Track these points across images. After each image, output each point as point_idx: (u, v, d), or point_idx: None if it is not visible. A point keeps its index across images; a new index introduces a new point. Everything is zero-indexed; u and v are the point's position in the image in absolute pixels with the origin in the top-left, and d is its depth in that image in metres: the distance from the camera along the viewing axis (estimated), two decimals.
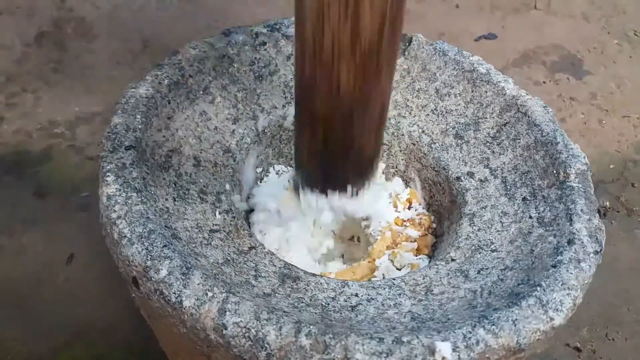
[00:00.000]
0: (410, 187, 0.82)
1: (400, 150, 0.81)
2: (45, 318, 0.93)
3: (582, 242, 0.60)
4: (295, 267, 0.61)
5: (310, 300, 0.57)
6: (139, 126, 0.64)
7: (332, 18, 0.49)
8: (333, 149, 0.61)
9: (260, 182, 0.79)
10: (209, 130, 0.72)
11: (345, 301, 0.57)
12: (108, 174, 0.58)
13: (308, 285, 0.59)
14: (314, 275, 0.61)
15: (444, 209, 0.76)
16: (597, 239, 0.61)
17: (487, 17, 1.67)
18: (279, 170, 0.81)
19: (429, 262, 0.71)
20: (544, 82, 1.48)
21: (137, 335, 0.90)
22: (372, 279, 0.70)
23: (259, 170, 0.79)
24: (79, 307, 0.95)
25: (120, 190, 0.57)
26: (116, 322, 0.92)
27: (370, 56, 0.52)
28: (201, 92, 0.73)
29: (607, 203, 1.20)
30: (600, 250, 0.60)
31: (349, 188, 0.66)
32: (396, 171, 0.84)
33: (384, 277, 0.70)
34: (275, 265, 0.61)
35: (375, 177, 0.69)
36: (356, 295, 0.58)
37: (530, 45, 1.58)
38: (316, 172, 0.66)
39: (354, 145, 0.61)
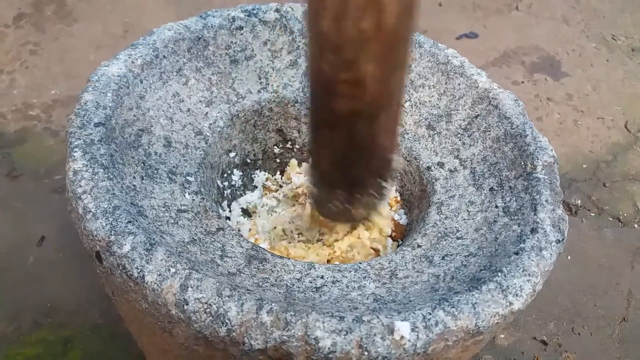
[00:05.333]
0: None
1: None
2: (13, 299, 0.92)
3: (545, 231, 0.61)
4: (263, 249, 0.62)
5: (276, 280, 0.57)
6: (110, 104, 0.63)
7: (354, 5, 0.44)
8: (355, 150, 0.57)
9: (235, 170, 0.80)
10: (181, 112, 0.72)
11: (311, 282, 0.58)
12: (75, 149, 0.58)
13: (274, 267, 0.59)
14: (281, 257, 0.61)
15: (414, 197, 0.77)
16: (559, 228, 0.62)
17: (469, 16, 1.68)
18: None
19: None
20: (522, 82, 1.50)
21: (105, 318, 0.89)
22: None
23: (232, 155, 0.79)
24: (48, 288, 0.94)
25: (87, 165, 0.56)
26: (85, 304, 0.92)
27: (395, 45, 0.47)
28: (175, 74, 0.73)
29: (579, 202, 1.22)
30: (563, 239, 0.61)
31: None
32: None
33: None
34: (242, 247, 0.61)
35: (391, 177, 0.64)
36: (322, 277, 0.59)
37: (510, 46, 1.60)
38: (336, 175, 0.61)
39: (377, 145, 0.56)
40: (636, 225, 1.19)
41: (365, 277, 0.59)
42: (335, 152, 0.58)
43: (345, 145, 0.56)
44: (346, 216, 0.65)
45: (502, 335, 1.00)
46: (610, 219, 1.20)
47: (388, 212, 0.77)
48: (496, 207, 0.67)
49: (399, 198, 0.81)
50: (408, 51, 0.50)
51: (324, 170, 0.62)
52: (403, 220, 0.78)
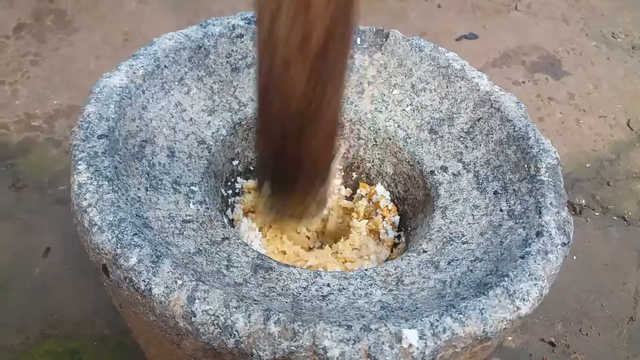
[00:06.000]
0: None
1: (377, 145, 0.82)
2: (19, 311, 0.93)
3: (551, 234, 0.61)
4: (269, 258, 0.62)
5: (282, 289, 0.57)
6: (112, 115, 0.63)
7: (283, 19, 0.48)
8: (289, 153, 0.60)
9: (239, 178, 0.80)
10: (184, 121, 0.72)
11: (317, 291, 0.58)
12: (79, 162, 0.58)
13: (280, 276, 0.59)
14: (287, 265, 0.61)
15: (418, 202, 0.77)
16: (565, 231, 0.62)
17: (468, 17, 1.68)
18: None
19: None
20: (523, 82, 1.50)
21: (112, 329, 0.90)
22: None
23: (235, 163, 0.79)
24: (54, 300, 0.94)
25: (91, 178, 0.57)
26: (91, 315, 0.92)
27: (320, 54, 0.50)
28: (176, 83, 0.73)
29: (583, 201, 1.22)
30: (568, 242, 0.61)
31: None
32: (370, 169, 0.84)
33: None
34: (248, 256, 0.61)
35: (329, 183, 0.68)
36: (328, 285, 0.59)
37: (510, 46, 1.60)
38: (275, 172, 0.65)
39: (309, 150, 0.60)
40: None
41: (371, 284, 0.59)
42: (273, 154, 0.62)
43: (280, 148, 0.59)
44: (294, 214, 0.68)
45: (510, 338, 0.99)
46: (615, 218, 1.20)
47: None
48: (501, 210, 0.67)
49: (390, 206, 0.80)
50: (342, 61, 0.53)
51: (268, 174, 0.66)
52: (390, 234, 0.78)
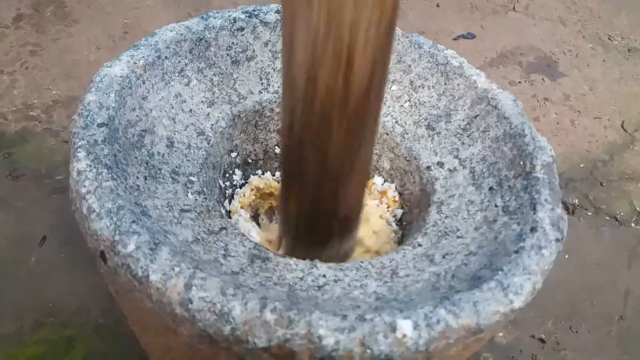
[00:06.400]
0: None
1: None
2: (15, 299, 0.93)
3: (545, 230, 0.61)
4: (265, 248, 0.62)
5: (278, 279, 0.58)
6: (113, 104, 0.64)
7: (328, 63, 0.46)
8: (322, 212, 0.60)
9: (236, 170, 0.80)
10: (184, 112, 0.72)
11: (313, 281, 0.58)
12: (79, 149, 0.58)
13: (277, 266, 0.60)
14: (283, 256, 0.62)
15: (414, 197, 0.78)
16: (559, 227, 0.63)
17: (466, 17, 1.69)
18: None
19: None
20: (519, 82, 1.51)
21: (107, 317, 0.90)
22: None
23: (233, 155, 0.79)
24: (50, 288, 0.94)
25: (90, 166, 0.57)
26: (87, 303, 0.92)
27: (360, 107, 0.51)
28: (177, 74, 0.73)
29: (576, 201, 1.23)
30: (562, 238, 0.62)
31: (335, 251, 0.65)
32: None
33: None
34: (245, 246, 0.62)
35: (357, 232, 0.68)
36: (324, 276, 0.59)
37: (507, 46, 1.61)
38: (304, 236, 0.65)
39: (341, 206, 0.60)
40: (633, 224, 1.20)
41: (367, 276, 0.60)
42: (302, 206, 0.61)
43: (312, 209, 0.60)
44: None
45: (501, 334, 1.00)
46: (608, 218, 1.21)
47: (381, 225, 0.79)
48: (496, 206, 0.68)
49: (397, 198, 0.81)
50: (376, 115, 0.53)
51: (293, 218, 0.64)
52: (394, 226, 0.79)
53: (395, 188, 0.82)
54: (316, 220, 0.62)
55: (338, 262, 0.62)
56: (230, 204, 0.79)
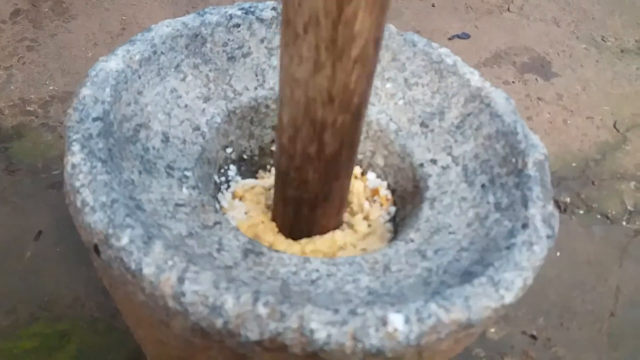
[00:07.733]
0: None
1: (369, 137, 0.83)
2: (9, 293, 0.93)
3: (536, 227, 0.62)
4: (259, 243, 0.63)
5: (271, 273, 0.58)
6: (108, 99, 0.64)
7: (303, 138, 0.60)
8: (300, 226, 0.72)
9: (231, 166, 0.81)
10: (179, 108, 0.73)
11: (306, 276, 0.59)
12: (74, 143, 0.59)
13: (270, 260, 0.60)
14: (277, 251, 0.62)
15: (407, 193, 0.78)
16: (550, 224, 0.63)
17: (461, 17, 1.70)
18: None
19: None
20: (513, 82, 1.52)
21: (101, 311, 0.90)
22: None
23: (228, 150, 0.80)
24: (45, 282, 0.94)
25: (85, 159, 0.57)
26: (81, 297, 0.92)
27: (331, 163, 0.63)
28: (172, 70, 0.73)
29: (568, 199, 1.24)
30: (553, 234, 0.63)
31: None
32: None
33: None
34: (239, 241, 0.62)
35: None
36: (317, 270, 0.60)
37: (501, 46, 1.62)
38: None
39: (317, 224, 0.72)
40: (624, 223, 1.22)
41: (359, 271, 0.61)
42: (286, 225, 0.74)
43: (293, 221, 0.72)
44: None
45: (492, 330, 1.01)
46: (599, 217, 1.22)
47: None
48: (488, 203, 0.68)
49: (389, 196, 0.82)
50: (347, 166, 0.66)
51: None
52: (387, 225, 0.79)
53: (388, 185, 0.83)
54: (301, 226, 0.72)
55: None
56: (224, 199, 0.79)
